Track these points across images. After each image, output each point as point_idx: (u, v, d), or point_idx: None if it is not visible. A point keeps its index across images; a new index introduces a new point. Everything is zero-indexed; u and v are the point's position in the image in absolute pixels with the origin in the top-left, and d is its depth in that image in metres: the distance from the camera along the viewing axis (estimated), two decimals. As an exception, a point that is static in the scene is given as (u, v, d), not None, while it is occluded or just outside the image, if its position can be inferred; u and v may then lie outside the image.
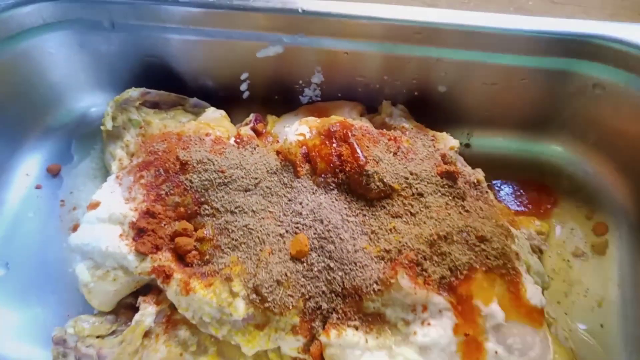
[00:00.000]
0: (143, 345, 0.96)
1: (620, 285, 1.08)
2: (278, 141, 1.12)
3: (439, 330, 0.83)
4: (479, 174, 1.05)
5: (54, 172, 1.26)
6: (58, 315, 1.11)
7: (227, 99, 1.24)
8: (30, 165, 1.27)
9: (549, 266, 1.09)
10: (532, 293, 0.85)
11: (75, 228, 1.18)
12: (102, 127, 1.19)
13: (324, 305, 0.89)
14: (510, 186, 1.20)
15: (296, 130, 1.02)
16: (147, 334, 0.96)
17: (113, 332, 0.98)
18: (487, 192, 1.04)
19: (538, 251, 1.07)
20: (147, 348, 0.96)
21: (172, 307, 0.98)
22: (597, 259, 1.12)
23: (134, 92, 1.18)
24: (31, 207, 1.22)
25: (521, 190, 1.20)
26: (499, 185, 1.20)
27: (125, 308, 1.02)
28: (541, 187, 1.20)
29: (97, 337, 0.97)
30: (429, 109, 1.20)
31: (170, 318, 0.98)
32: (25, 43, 1.15)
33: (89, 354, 0.94)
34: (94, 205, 1.00)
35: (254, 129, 1.14)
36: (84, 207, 1.22)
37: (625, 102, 1.07)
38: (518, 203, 1.18)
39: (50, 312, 1.11)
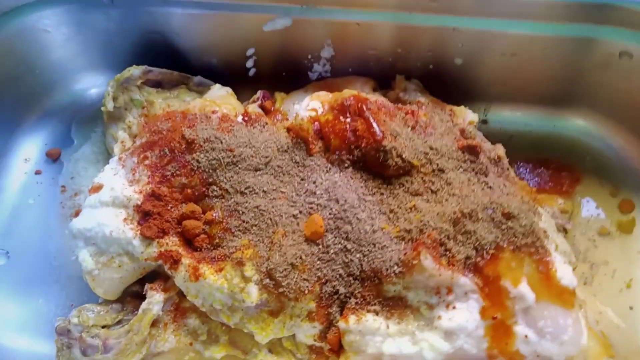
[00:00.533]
0: (151, 335, 0.92)
1: (648, 264, 1.03)
2: (287, 119, 1.06)
3: (465, 313, 0.78)
4: (500, 150, 1.00)
5: (54, 157, 1.21)
6: (61, 305, 1.07)
7: (233, 77, 1.18)
8: (29, 150, 1.22)
9: (573, 246, 1.04)
10: (563, 273, 0.80)
11: (77, 214, 1.13)
12: (102, 108, 1.14)
13: (342, 290, 0.84)
14: (530, 164, 1.14)
15: (307, 105, 0.97)
16: (154, 323, 0.92)
17: (119, 322, 0.94)
18: (508, 168, 0.98)
19: (562, 230, 1.02)
20: (155, 338, 0.92)
21: (181, 295, 0.94)
22: (624, 237, 1.06)
23: (135, 71, 1.12)
24: (31, 194, 1.18)
25: (542, 168, 1.14)
26: (518, 163, 1.15)
27: (132, 297, 0.97)
28: (563, 164, 1.14)
29: (103, 327, 0.92)
30: (444, 83, 1.14)
31: (179, 306, 0.94)
32: (20, 20, 1.10)
33: (94, 345, 0.90)
34: (96, 189, 0.95)
35: (261, 107, 1.09)
36: (85, 193, 1.16)
37: (654, 71, 1.01)
38: (539, 181, 1.12)
39: (53, 302, 1.07)
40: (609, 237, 1.06)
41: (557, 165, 1.13)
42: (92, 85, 1.25)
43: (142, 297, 0.94)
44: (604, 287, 1.01)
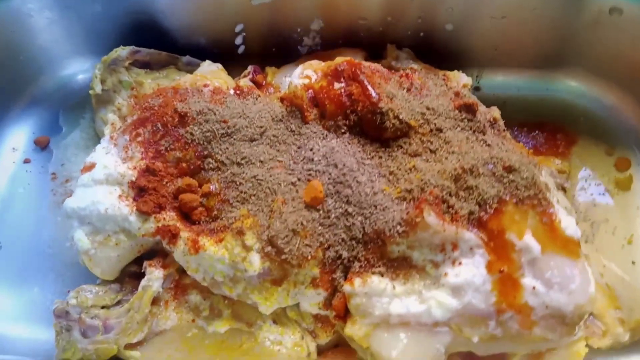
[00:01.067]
0: (152, 313, 0.90)
1: (648, 220, 1.03)
2: (280, 91, 1.05)
3: (471, 269, 0.77)
4: (495, 112, 1.00)
5: (42, 145, 1.18)
6: (57, 292, 1.04)
7: (222, 55, 1.17)
8: (16, 139, 1.19)
9: (573, 205, 1.04)
10: (567, 223, 0.79)
11: (69, 201, 1.12)
12: (90, 92, 1.12)
13: (345, 254, 0.83)
14: (525, 128, 1.14)
15: (300, 74, 0.96)
16: (155, 301, 0.91)
17: (118, 303, 0.92)
18: (504, 129, 0.98)
19: (562, 189, 1.02)
20: (156, 316, 0.91)
21: (180, 272, 0.92)
22: (622, 195, 1.07)
23: (122, 51, 1.10)
24: (21, 183, 1.15)
25: (537, 131, 1.14)
26: (513, 128, 1.14)
27: (130, 277, 0.96)
28: (558, 126, 1.14)
29: (102, 307, 0.90)
30: (436, 51, 1.14)
31: (179, 283, 0.92)
32: (3, 5, 1.07)
33: (94, 325, 0.88)
34: (89, 168, 0.93)
35: (253, 81, 1.08)
36: (77, 179, 1.14)
37: (644, 26, 1.01)
38: (535, 144, 1.12)
39: (49, 290, 1.05)
40: (608, 195, 1.06)
41: (552, 128, 1.14)
42: (79, 70, 1.22)
43: (141, 277, 0.92)
44: (606, 244, 1.01)
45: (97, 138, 1.18)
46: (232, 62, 1.16)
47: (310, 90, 0.94)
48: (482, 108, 0.98)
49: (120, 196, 0.90)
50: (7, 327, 1.01)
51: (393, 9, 1.09)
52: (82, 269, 1.03)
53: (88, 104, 1.18)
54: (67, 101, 1.22)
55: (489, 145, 0.88)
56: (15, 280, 1.05)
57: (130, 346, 0.88)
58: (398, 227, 0.80)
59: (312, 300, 0.86)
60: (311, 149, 0.90)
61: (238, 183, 0.88)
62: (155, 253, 0.93)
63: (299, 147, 0.91)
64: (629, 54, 1.06)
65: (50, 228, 1.10)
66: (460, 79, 1.03)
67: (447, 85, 1.01)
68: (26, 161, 1.17)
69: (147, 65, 1.14)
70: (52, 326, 0.93)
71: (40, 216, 1.11)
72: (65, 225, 1.08)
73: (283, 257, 0.82)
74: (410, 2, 1.07)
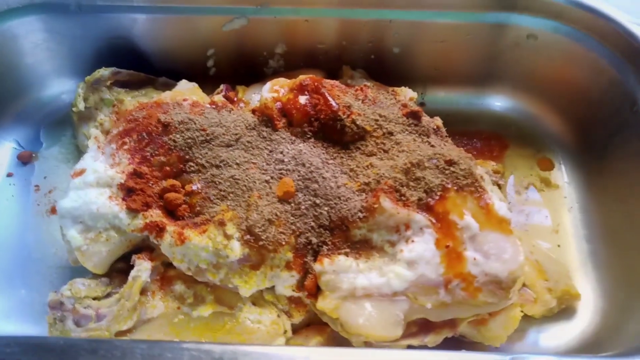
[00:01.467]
0: (140, 302, 0.98)
1: (570, 211, 1.21)
2: (250, 106, 1.18)
3: (422, 245, 0.91)
4: (438, 121, 1.15)
5: (25, 159, 1.26)
6: (44, 294, 1.08)
7: (195, 76, 1.27)
8: (0, 154, 1.26)
9: (506, 199, 1.20)
10: (499, 206, 0.94)
11: (53, 210, 1.20)
12: (73, 109, 1.21)
13: (314, 240, 0.95)
14: (465, 136, 1.31)
15: (270, 88, 1.09)
16: (143, 292, 0.99)
17: (108, 295, 1.00)
18: (447, 136, 1.14)
19: (496, 185, 1.18)
20: (144, 305, 0.99)
21: (166, 265, 1.01)
22: (549, 190, 1.24)
23: (104, 72, 1.21)
24: (5, 195, 1.22)
25: (475, 139, 1.31)
26: (454, 137, 1.30)
27: (118, 272, 1.04)
28: (492, 134, 1.32)
29: (94, 299, 0.98)
30: (385, 70, 1.30)
31: (165, 275, 1.01)
32: (-11, 30, 1.17)
33: (87, 315, 0.96)
34: (79, 173, 1.02)
35: (226, 97, 1.20)
36: (60, 189, 1.23)
37: (555, 48, 1.21)
38: (473, 148, 1.29)
39: (36, 292, 1.11)
40: (536, 190, 1.24)
41: (487, 135, 1.31)
42: (60, 90, 1.32)
43: (128, 273, 1.00)
44: (536, 231, 1.17)
45: (77, 153, 1.27)
46: (205, 82, 1.28)
47: (278, 102, 1.07)
48: (426, 118, 1.14)
49: (110, 197, 0.99)
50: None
51: (347, 34, 1.25)
52: (67, 271, 1.12)
53: (68, 122, 1.28)
54: (49, 118, 1.31)
55: (432, 145, 1.03)
56: (3, 283, 1.11)
57: (121, 333, 0.96)
58: (359, 213, 0.93)
59: (286, 283, 0.97)
60: (281, 152, 1.02)
61: (217, 182, 0.99)
62: (142, 250, 1.03)
63: (270, 151, 1.04)
64: (545, 72, 1.26)
65: (35, 235, 1.17)
66: (407, 94, 1.18)
67: (395, 98, 1.16)
68: (9, 175, 1.24)
69: (126, 85, 1.25)
70: (41, 323, 1.00)
71: (25, 225, 1.19)
72: (50, 233, 1.17)
73: (260, 243, 0.93)
74: (362, 28, 1.23)
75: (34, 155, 1.27)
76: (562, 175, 1.26)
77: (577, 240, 1.17)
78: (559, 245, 1.15)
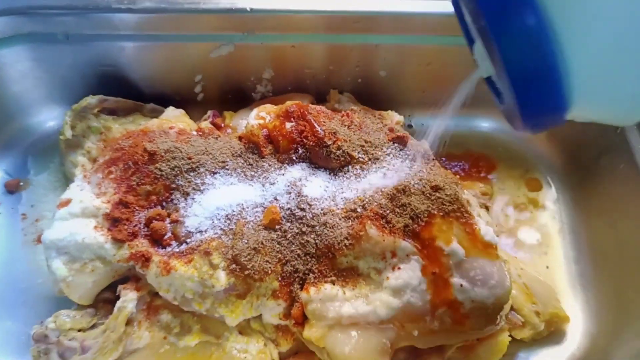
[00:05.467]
0: (126, 333, 0.97)
1: (559, 232, 1.21)
2: (237, 132, 1.18)
3: (408, 272, 0.91)
4: (425, 144, 1.15)
5: (12, 188, 1.26)
6: (30, 324, 1.07)
7: (183, 101, 1.29)
8: (-14, 183, 1.26)
9: (494, 220, 1.20)
10: (486, 231, 0.94)
11: (40, 239, 1.19)
12: (61, 137, 1.21)
13: (300, 267, 0.95)
14: (453, 157, 1.32)
15: (256, 115, 1.10)
16: (129, 322, 0.98)
17: (94, 326, 0.99)
18: (434, 159, 1.14)
19: (484, 207, 1.18)
20: (130, 335, 0.98)
21: (152, 295, 1.01)
22: (537, 211, 1.24)
23: (92, 100, 1.21)
24: (-9, 225, 1.22)
25: (462, 161, 1.31)
26: (442, 159, 1.31)
27: (104, 302, 1.03)
28: (480, 155, 1.32)
29: (79, 330, 0.98)
30: (373, 94, 1.31)
31: (151, 305, 1.01)
32: (-21, 59, 1.17)
33: (72, 347, 0.95)
34: (65, 203, 1.02)
35: (213, 123, 1.21)
36: (47, 218, 1.22)
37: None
38: (461, 170, 1.29)
39: (22, 323, 1.09)
40: (524, 211, 1.24)
41: (475, 157, 1.32)
42: (48, 118, 1.32)
43: (114, 303, 1.00)
44: (523, 254, 1.17)
45: (65, 181, 1.26)
46: (193, 107, 1.29)
47: (264, 129, 1.08)
48: (413, 141, 1.15)
49: (95, 227, 0.99)
50: (-19, 360, 1.05)
51: (335, 59, 1.26)
52: (53, 302, 1.11)
53: (56, 150, 1.27)
54: (36, 147, 1.31)
55: (418, 170, 1.03)
56: (-13, 314, 1.11)
57: (106, 365, 0.96)
58: (345, 240, 0.93)
59: (273, 312, 0.96)
60: (267, 179, 1.03)
61: (203, 211, 0.99)
62: (128, 279, 1.02)
63: (256, 178, 1.04)
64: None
65: (22, 265, 1.16)
66: (394, 117, 1.19)
67: (382, 122, 1.17)
68: (-4, 203, 1.24)
69: (114, 112, 1.25)
70: (25, 355, 0.99)
71: (12, 254, 1.17)
72: (37, 262, 1.16)
73: (246, 272, 0.93)
74: (349, 52, 1.24)
75: (21, 183, 1.27)
76: (550, 196, 1.26)
77: (565, 261, 1.17)
78: (547, 267, 1.15)
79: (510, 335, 0.98)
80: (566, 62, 0.52)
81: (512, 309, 1.01)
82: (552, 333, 1.04)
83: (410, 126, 1.36)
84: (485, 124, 1.36)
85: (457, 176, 1.20)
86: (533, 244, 1.19)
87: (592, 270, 1.13)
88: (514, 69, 0.53)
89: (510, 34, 0.52)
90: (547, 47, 0.51)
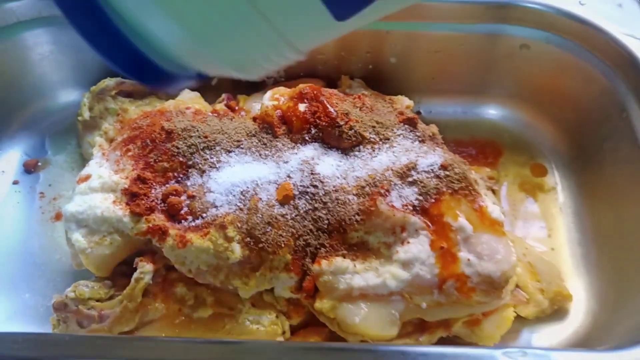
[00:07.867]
0: (142, 304, 1.01)
1: (563, 215, 1.24)
2: (251, 114, 1.21)
3: (417, 246, 0.94)
4: (433, 128, 1.19)
5: (31, 167, 1.29)
6: (47, 297, 1.12)
7: (197, 86, 1.32)
8: (5, 163, 1.30)
9: (500, 203, 1.23)
10: (492, 208, 0.97)
11: (58, 217, 1.23)
12: (78, 118, 1.24)
13: (312, 242, 0.98)
14: (460, 143, 1.35)
15: (270, 97, 1.13)
16: (144, 294, 1.01)
17: (111, 297, 1.03)
18: (442, 142, 1.17)
19: (491, 190, 1.21)
20: (146, 307, 1.01)
21: (167, 269, 1.04)
22: (543, 196, 1.27)
23: (110, 82, 1.25)
24: (10, 203, 1.25)
25: (469, 147, 1.35)
26: (450, 145, 1.34)
27: (121, 275, 1.06)
28: (487, 141, 1.35)
29: (97, 300, 1.01)
30: (382, 80, 1.34)
31: (166, 278, 1.03)
32: (3, 41, 1.20)
33: (91, 316, 0.98)
34: (85, 178, 1.05)
35: (227, 106, 1.24)
36: (65, 197, 1.26)
37: (547, 58, 1.25)
38: (468, 155, 1.32)
39: (40, 296, 1.13)
40: (529, 196, 1.27)
41: (482, 143, 1.34)
42: (66, 100, 1.35)
43: (130, 276, 1.03)
44: (528, 236, 1.20)
45: (81, 161, 1.30)
46: (207, 92, 1.32)
47: (278, 110, 1.11)
48: (422, 125, 1.18)
49: (114, 201, 1.02)
50: (2, 326, 1.08)
51: (346, 45, 1.29)
52: (70, 276, 1.14)
53: (73, 131, 1.31)
54: (54, 128, 1.34)
55: (428, 150, 1.06)
56: (7, 287, 1.13)
57: (123, 334, 0.99)
58: (356, 216, 0.96)
59: (285, 284, 0.99)
60: (281, 158, 1.06)
61: (218, 187, 1.02)
62: (145, 253, 1.05)
63: (270, 156, 1.07)
64: (538, 81, 1.29)
65: (40, 241, 1.19)
66: (404, 102, 1.22)
67: (392, 106, 1.20)
68: (15, 182, 1.27)
69: (130, 95, 1.28)
70: (44, 326, 1.02)
71: (30, 231, 1.21)
72: (54, 239, 1.20)
73: (260, 245, 0.95)
74: (360, 39, 1.27)
75: (39, 163, 1.30)
76: (555, 181, 1.29)
77: (569, 243, 1.19)
78: (552, 249, 1.18)
79: (514, 312, 1.01)
80: None
81: (517, 286, 1.04)
82: (555, 311, 1.07)
83: (418, 112, 1.39)
84: (492, 111, 1.39)
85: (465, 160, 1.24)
86: (538, 227, 1.21)
87: (596, 252, 1.16)
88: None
89: None
90: None
